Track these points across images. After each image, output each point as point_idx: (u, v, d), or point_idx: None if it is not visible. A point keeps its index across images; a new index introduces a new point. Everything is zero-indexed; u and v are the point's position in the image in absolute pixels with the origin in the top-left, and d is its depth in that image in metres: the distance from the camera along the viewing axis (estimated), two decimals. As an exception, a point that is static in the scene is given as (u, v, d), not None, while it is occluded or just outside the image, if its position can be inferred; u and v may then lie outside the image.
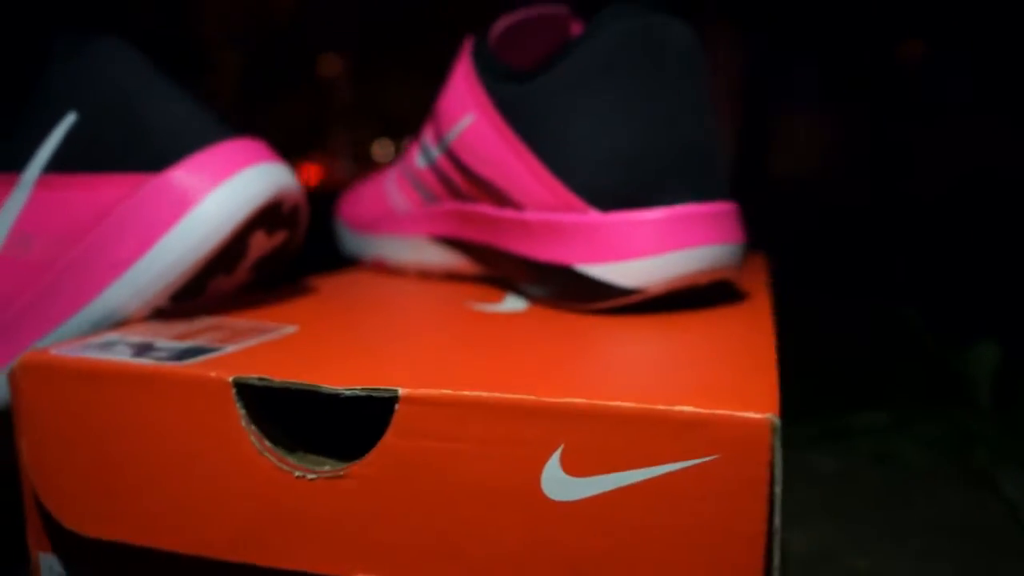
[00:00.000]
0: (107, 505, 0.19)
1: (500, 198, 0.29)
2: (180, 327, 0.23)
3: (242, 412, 0.18)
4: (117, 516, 0.19)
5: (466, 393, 0.17)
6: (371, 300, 0.28)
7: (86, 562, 0.21)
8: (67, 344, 0.21)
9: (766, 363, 0.19)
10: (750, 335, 0.22)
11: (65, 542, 0.21)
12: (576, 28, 0.32)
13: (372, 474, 0.17)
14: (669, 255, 0.25)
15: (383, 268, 0.36)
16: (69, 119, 0.25)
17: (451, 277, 0.34)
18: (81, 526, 0.20)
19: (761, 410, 0.15)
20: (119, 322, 0.24)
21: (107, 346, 0.21)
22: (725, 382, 0.17)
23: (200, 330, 0.23)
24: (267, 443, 0.19)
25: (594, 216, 0.25)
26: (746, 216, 0.27)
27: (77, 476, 0.20)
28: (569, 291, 0.26)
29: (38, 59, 0.26)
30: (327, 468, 0.18)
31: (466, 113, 0.29)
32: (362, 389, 0.18)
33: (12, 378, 0.20)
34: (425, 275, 0.35)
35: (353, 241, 0.38)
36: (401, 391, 0.17)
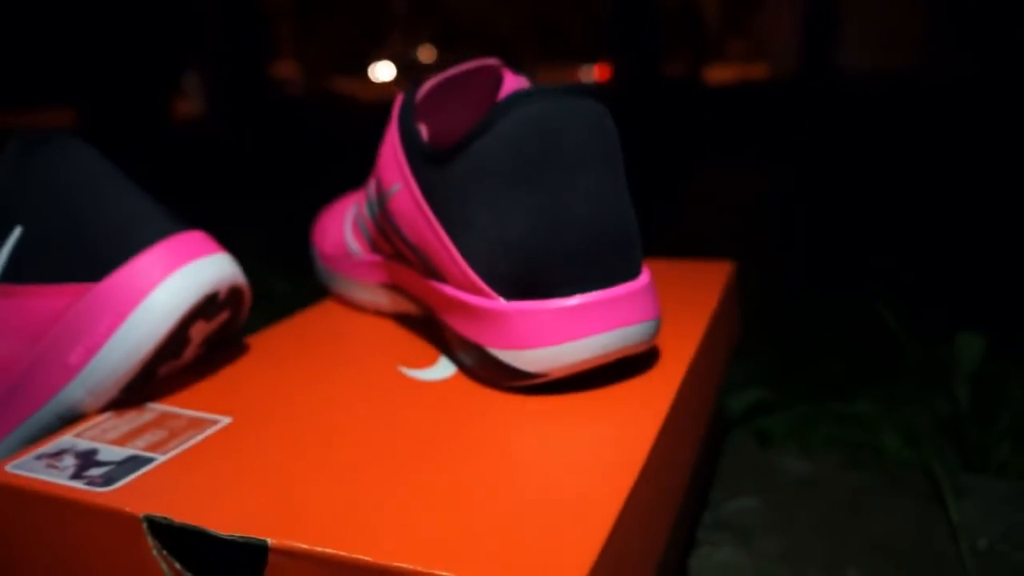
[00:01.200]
0: (57, 607, 0.23)
1: (427, 267, 0.30)
2: (126, 425, 0.26)
3: (153, 542, 0.21)
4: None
5: (319, 549, 0.19)
6: (309, 370, 0.31)
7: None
8: (21, 455, 0.25)
9: (607, 507, 0.20)
10: (619, 457, 0.23)
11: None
12: (509, 79, 0.32)
13: (253, 608, 0.20)
14: (571, 344, 0.26)
15: (346, 303, 0.39)
16: (16, 232, 0.27)
17: (405, 317, 0.36)
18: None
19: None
20: (78, 416, 0.27)
21: (55, 457, 0.24)
22: (544, 542, 0.19)
23: (144, 426, 0.26)
24: (177, 566, 0.22)
25: (500, 304, 0.27)
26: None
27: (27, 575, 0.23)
28: (484, 367, 0.28)
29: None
30: (222, 595, 0.21)
31: (395, 181, 0.30)
32: (240, 537, 0.20)
33: (-25, 491, 0.24)
34: (381, 313, 0.37)
35: (321, 271, 0.40)
36: (270, 542, 0.20)
